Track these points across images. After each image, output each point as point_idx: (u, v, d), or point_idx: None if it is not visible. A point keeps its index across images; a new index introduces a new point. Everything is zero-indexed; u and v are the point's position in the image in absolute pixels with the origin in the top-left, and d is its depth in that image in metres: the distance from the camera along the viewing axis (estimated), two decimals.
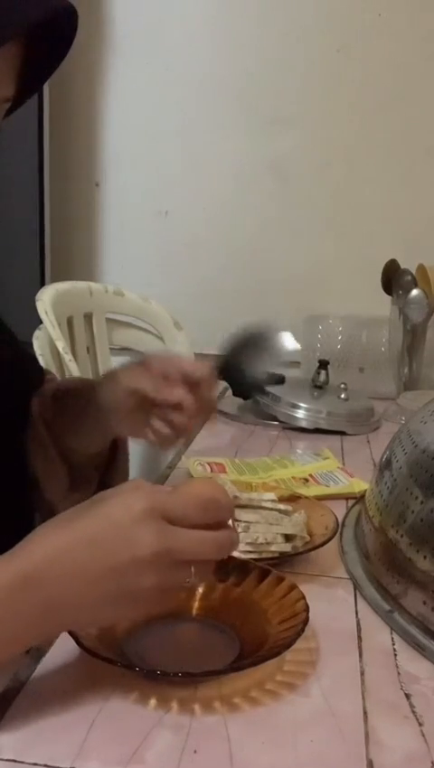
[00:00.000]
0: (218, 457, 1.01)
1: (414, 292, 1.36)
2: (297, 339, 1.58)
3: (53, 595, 0.46)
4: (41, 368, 0.82)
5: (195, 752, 0.45)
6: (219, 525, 0.49)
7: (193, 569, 0.48)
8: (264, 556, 0.68)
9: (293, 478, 0.94)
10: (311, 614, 0.56)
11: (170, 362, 0.69)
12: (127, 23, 1.63)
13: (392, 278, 1.41)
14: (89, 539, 0.47)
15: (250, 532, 0.69)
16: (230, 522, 0.50)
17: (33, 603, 0.45)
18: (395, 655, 0.58)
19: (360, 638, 0.60)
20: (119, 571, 0.46)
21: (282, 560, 0.70)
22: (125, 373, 0.70)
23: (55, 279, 1.58)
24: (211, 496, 0.49)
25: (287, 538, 0.71)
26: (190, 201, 1.68)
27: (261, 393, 0.62)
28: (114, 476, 0.80)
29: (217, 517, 0.49)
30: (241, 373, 0.62)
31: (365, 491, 0.85)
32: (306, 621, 0.55)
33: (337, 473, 0.97)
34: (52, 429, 0.74)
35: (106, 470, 0.80)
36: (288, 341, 0.62)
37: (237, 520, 0.68)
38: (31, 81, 0.56)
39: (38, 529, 0.49)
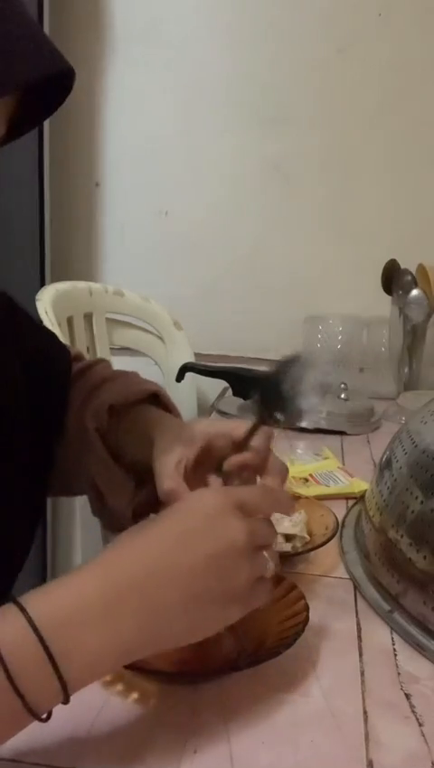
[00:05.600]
0: None
1: (414, 292, 1.36)
2: (297, 339, 1.59)
3: (154, 601, 0.43)
4: (65, 348, 0.80)
5: (195, 752, 0.45)
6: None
7: (266, 555, 0.48)
8: None
9: (293, 478, 0.94)
10: (311, 614, 0.56)
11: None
12: (127, 23, 1.63)
13: (392, 278, 1.41)
14: (180, 536, 0.46)
15: None
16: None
17: (131, 614, 0.42)
18: (395, 655, 0.58)
19: (360, 638, 0.60)
20: (219, 561, 0.45)
21: (282, 560, 0.70)
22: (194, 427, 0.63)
23: (55, 279, 1.58)
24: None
25: (287, 538, 0.71)
26: (190, 201, 1.68)
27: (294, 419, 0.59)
28: None
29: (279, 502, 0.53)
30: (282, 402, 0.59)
31: (365, 491, 0.85)
32: (306, 621, 0.55)
33: (337, 473, 0.97)
34: (109, 442, 0.71)
35: None
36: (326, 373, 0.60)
37: None
38: (22, 124, 0.56)
39: (120, 541, 0.46)
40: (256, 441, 0.58)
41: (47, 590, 0.42)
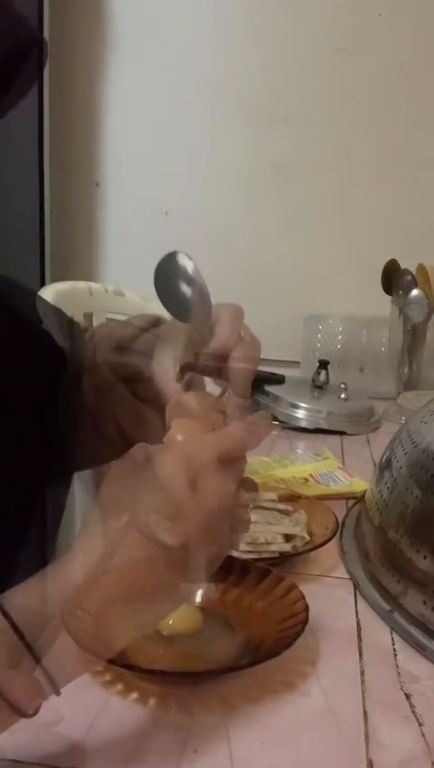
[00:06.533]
0: None
1: (414, 292, 1.36)
2: (297, 339, 1.59)
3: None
4: (59, 351, 0.79)
5: (195, 751, 0.45)
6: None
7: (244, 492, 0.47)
8: (264, 556, 0.68)
9: (293, 478, 0.94)
10: (311, 614, 0.56)
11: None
12: (127, 22, 1.63)
13: (392, 278, 1.41)
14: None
15: (249, 532, 0.69)
16: None
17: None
18: (395, 655, 0.58)
19: (360, 638, 0.60)
20: (205, 525, 0.42)
21: (282, 560, 0.70)
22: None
23: (55, 279, 1.58)
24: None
25: (287, 538, 0.71)
26: (190, 201, 1.68)
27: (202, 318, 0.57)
28: None
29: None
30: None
31: (365, 491, 0.85)
32: (305, 621, 0.55)
33: (337, 473, 0.97)
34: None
35: None
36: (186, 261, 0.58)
37: None
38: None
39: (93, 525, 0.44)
40: (221, 327, 0.55)
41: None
